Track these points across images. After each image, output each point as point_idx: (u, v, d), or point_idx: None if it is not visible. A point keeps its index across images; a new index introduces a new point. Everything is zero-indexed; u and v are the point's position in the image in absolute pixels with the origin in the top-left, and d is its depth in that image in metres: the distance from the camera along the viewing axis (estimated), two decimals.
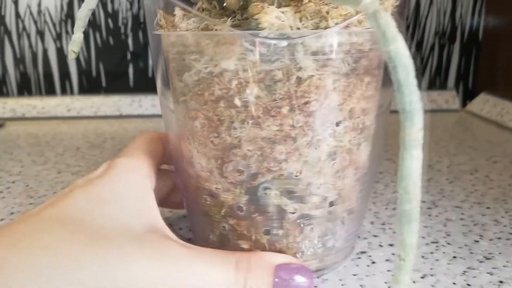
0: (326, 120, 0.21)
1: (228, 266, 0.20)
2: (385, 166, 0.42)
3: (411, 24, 0.64)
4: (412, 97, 0.15)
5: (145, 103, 0.63)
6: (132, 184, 0.22)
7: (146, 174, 0.23)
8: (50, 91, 0.64)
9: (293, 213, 0.22)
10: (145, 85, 0.65)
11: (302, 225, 0.22)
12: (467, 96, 0.66)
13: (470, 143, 0.49)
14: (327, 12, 0.19)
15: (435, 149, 0.47)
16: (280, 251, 0.22)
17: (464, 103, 0.66)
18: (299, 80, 0.20)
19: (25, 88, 0.64)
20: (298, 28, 0.19)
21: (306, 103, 0.20)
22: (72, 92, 0.64)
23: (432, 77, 0.66)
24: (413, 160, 0.15)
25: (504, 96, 0.59)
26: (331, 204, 0.22)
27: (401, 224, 0.16)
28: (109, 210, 0.20)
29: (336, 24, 0.19)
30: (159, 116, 0.24)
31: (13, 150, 0.48)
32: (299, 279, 0.20)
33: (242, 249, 0.23)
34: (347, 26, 0.19)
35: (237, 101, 0.20)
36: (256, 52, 0.19)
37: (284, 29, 0.19)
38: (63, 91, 0.64)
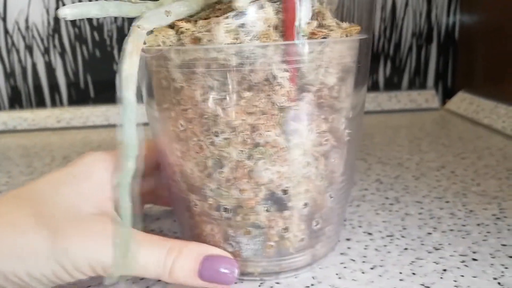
0: (205, 128, 0.22)
1: (160, 249, 0.22)
2: (356, 165, 0.43)
3: (388, 26, 0.65)
4: (124, 102, 0.17)
5: None
6: (92, 173, 0.24)
7: (109, 167, 0.25)
8: (40, 103, 0.66)
9: (195, 206, 0.24)
10: None
11: (206, 222, 0.24)
12: (447, 95, 0.68)
13: (443, 140, 0.50)
14: (181, 30, 0.21)
15: (408, 148, 0.48)
16: (192, 239, 0.25)
17: (444, 102, 0.68)
18: (176, 90, 0.22)
19: (16, 101, 0.66)
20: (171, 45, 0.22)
21: (184, 110, 0.22)
22: (61, 104, 0.67)
23: (412, 77, 0.67)
24: (124, 171, 0.17)
25: (480, 94, 0.60)
26: (226, 210, 0.23)
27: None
28: (63, 191, 0.23)
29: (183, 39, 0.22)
30: (145, 124, 0.27)
31: (2, 161, 0.50)
32: (224, 269, 0.22)
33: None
34: (193, 41, 0.21)
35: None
36: (153, 63, 0.23)
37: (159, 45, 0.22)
38: (53, 103, 0.66)
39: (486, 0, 0.59)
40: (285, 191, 0.23)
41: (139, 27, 0.19)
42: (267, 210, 0.23)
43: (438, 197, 0.35)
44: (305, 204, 0.24)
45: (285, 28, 0.21)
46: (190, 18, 0.22)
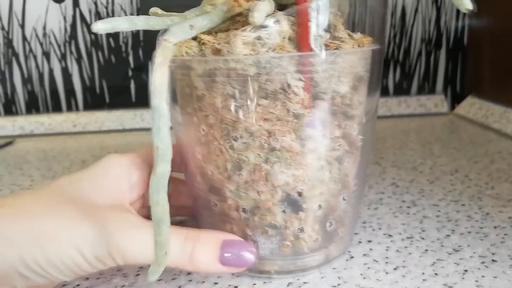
0: (224, 133, 0.23)
1: (177, 237, 0.23)
2: (371, 168, 0.44)
3: (398, 32, 0.66)
4: (156, 109, 0.19)
5: (147, 117, 0.66)
6: (109, 170, 0.26)
7: (124, 164, 0.27)
8: (57, 108, 0.67)
9: (215, 205, 0.26)
10: (147, 100, 0.67)
11: (225, 221, 0.26)
12: (456, 100, 0.69)
13: (454, 144, 0.51)
14: (203, 42, 0.23)
15: (420, 152, 0.49)
16: None
17: (453, 106, 0.69)
18: (197, 97, 0.24)
19: (33, 106, 0.67)
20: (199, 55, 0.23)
21: (205, 116, 0.24)
22: (77, 109, 0.68)
23: (421, 82, 0.68)
24: (158, 175, 0.19)
25: (489, 98, 0.61)
26: (244, 211, 0.25)
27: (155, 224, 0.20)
28: (82, 187, 0.25)
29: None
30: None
31: (22, 165, 0.51)
32: (245, 253, 0.23)
33: None
34: (214, 52, 0.22)
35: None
36: (177, 72, 0.25)
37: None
38: (69, 108, 0.68)
39: (494, 6, 0.60)
40: (300, 193, 0.24)
41: (166, 41, 0.21)
42: (283, 211, 0.24)
43: (454, 200, 0.36)
44: (320, 206, 0.25)
45: (299, 40, 0.22)
46: (212, 31, 0.24)
